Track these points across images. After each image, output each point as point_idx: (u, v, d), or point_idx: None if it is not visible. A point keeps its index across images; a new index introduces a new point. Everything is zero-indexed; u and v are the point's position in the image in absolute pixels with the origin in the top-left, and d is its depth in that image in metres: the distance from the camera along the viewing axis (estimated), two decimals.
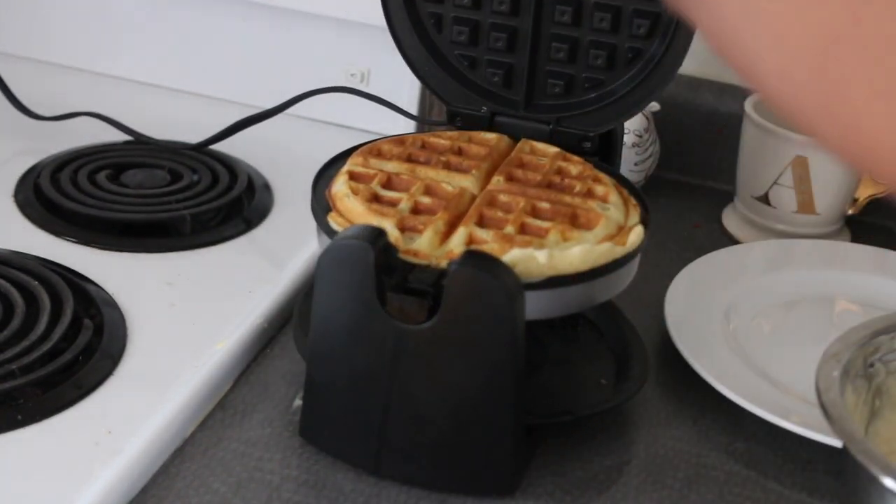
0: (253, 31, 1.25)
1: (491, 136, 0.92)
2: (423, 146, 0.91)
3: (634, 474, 0.86)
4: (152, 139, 1.17)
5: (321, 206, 0.86)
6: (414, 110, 1.21)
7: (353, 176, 0.87)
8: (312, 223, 0.87)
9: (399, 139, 0.92)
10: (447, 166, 0.88)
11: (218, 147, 1.17)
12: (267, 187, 1.14)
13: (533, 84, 0.95)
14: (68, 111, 1.19)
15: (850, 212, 1.20)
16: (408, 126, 1.18)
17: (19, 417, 0.83)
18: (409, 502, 0.81)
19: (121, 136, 1.18)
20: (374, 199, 0.85)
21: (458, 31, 0.95)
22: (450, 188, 0.86)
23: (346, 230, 0.80)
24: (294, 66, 1.23)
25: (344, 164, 0.90)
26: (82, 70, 1.30)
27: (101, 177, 1.11)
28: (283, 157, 1.19)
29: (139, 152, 1.16)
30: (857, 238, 1.20)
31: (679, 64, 0.90)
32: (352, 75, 1.22)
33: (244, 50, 1.26)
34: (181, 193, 1.10)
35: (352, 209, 0.84)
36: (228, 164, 1.15)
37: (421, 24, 0.96)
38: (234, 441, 0.85)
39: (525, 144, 0.92)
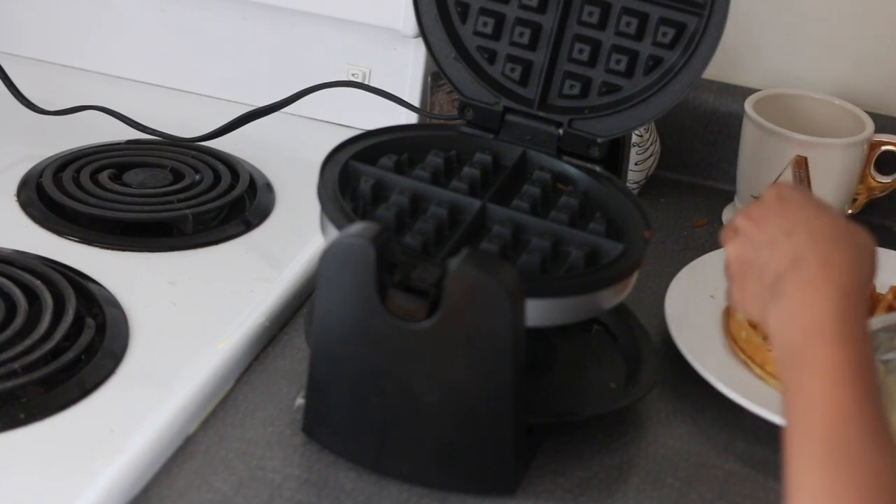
0: (254, 31, 1.25)
1: None
2: None
3: (634, 473, 0.87)
4: (156, 131, 1.16)
5: (328, 192, 0.86)
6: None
7: None
8: (314, 223, 0.88)
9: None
10: None
11: (220, 146, 1.17)
12: (269, 187, 1.14)
13: (549, 83, 0.94)
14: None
15: (849, 212, 1.20)
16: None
17: (22, 416, 0.83)
18: (409, 500, 0.82)
19: (123, 136, 1.18)
20: None
21: (483, 22, 0.94)
22: None
23: (347, 228, 0.80)
24: (295, 66, 1.23)
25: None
26: (83, 69, 1.30)
27: (104, 176, 1.11)
28: (285, 156, 1.19)
29: (141, 152, 1.16)
30: None
31: (697, 76, 0.90)
32: (353, 75, 1.22)
33: (246, 50, 1.26)
34: (183, 193, 1.10)
35: None
36: (230, 163, 1.15)
37: (447, 10, 0.95)
38: (236, 440, 0.85)
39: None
